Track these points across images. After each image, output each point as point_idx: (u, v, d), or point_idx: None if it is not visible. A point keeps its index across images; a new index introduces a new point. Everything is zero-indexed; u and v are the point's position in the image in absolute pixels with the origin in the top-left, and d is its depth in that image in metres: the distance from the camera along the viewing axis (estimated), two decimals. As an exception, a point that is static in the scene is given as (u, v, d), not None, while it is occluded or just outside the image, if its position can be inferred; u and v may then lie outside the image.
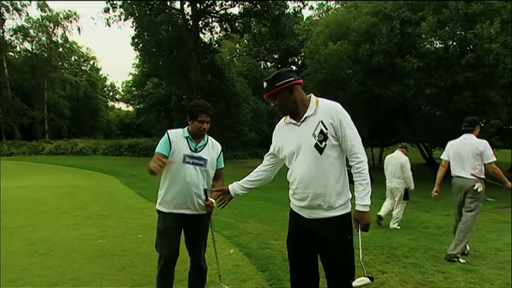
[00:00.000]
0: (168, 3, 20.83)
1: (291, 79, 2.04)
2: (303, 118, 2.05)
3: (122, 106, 57.17)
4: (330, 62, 15.75)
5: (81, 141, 30.83)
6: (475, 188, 4.30)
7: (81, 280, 3.41)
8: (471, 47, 12.09)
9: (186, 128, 2.64)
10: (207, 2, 21.53)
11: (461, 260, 4.26)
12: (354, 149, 2.01)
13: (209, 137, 2.74)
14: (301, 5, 21.25)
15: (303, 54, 33.86)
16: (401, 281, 3.49)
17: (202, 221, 2.75)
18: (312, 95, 2.15)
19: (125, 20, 20.26)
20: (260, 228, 5.70)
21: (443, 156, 4.73)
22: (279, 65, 40.05)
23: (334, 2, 21.97)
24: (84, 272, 3.59)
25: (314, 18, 31.85)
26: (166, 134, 2.61)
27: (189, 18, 21.64)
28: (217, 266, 3.19)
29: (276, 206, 8.49)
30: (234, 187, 2.46)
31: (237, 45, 39.62)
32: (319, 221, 2.04)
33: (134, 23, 20.38)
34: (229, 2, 21.76)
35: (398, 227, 6.36)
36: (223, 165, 2.87)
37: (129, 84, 47.14)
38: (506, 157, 20.24)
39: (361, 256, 2.01)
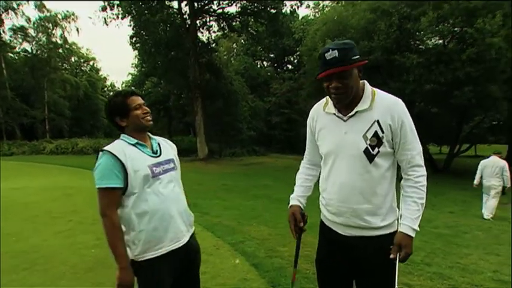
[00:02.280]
0: (166, 2, 20.11)
1: (362, 58, 1.48)
2: (353, 112, 1.51)
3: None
4: (328, 60, 15.24)
5: (82, 140, 30.03)
6: None
7: (65, 302, 2.87)
8: (472, 41, 11.60)
9: (122, 136, 1.75)
10: (204, 1, 20.88)
11: None
12: (414, 161, 1.51)
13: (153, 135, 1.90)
14: (298, 3, 20.60)
15: (298, 53, 33.44)
16: (434, 298, 2.97)
17: (195, 246, 1.89)
18: (366, 82, 1.57)
19: (122, 18, 19.51)
20: (265, 232, 5.17)
21: None
22: (275, 64, 39.61)
23: (329, 1, 21.33)
24: (71, 291, 3.04)
25: (310, 18, 31.37)
26: (104, 153, 1.60)
27: (187, 17, 20.96)
28: None
29: (278, 205, 7.99)
30: (302, 204, 1.84)
31: (234, 45, 39.03)
32: (358, 238, 1.55)
33: (132, 22, 19.66)
34: (227, 1, 21.09)
35: (491, 218, 7.33)
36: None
37: (129, 84, 46.35)
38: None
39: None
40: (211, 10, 21.60)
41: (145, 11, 18.69)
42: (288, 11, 21.68)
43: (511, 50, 11.35)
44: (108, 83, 55.69)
